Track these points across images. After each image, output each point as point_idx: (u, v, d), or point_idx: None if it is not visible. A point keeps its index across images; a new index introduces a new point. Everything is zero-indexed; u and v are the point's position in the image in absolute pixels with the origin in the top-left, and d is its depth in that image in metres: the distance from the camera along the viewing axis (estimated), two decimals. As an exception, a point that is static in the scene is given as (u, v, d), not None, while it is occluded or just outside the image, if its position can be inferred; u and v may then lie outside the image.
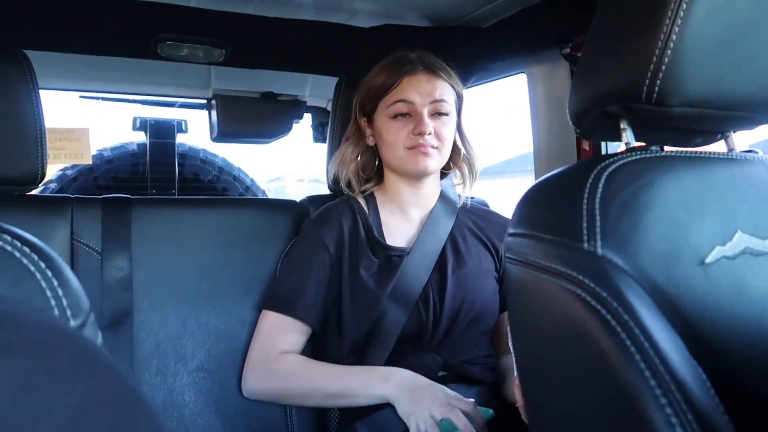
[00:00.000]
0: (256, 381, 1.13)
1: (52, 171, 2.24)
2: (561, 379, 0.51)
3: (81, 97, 2.02)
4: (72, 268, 1.10)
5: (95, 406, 0.26)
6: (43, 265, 0.45)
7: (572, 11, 1.18)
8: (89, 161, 1.74)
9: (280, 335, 1.12)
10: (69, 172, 2.18)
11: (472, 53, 1.46)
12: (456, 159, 1.22)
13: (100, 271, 1.16)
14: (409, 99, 1.11)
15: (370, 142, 1.20)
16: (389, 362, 1.07)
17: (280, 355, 1.11)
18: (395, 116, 1.13)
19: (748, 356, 0.47)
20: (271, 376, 1.11)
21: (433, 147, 1.12)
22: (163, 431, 0.29)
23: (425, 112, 1.11)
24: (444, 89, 1.14)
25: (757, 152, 0.67)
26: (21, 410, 0.23)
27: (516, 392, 0.91)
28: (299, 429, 1.21)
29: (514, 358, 0.60)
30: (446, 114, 1.13)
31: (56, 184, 2.15)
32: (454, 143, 1.19)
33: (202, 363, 1.19)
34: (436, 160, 1.14)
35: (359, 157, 1.22)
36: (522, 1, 1.30)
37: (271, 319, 1.14)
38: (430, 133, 1.10)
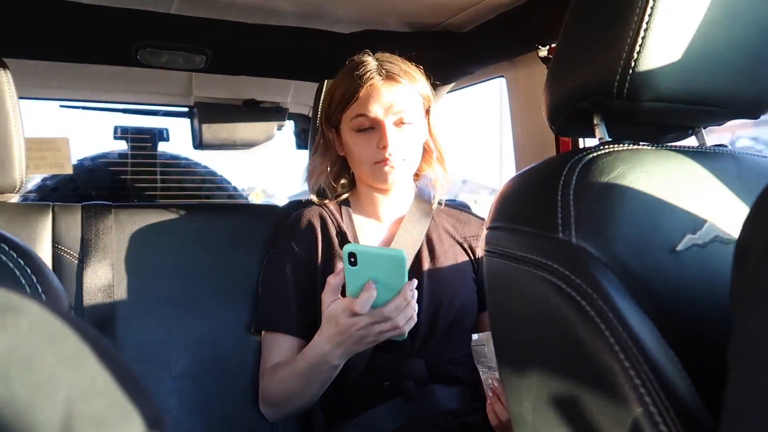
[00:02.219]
0: (262, 403, 1.16)
1: (32, 181, 2.22)
2: (539, 364, 0.52)
3: (61, 106, 2.01)
4: None
5: (98, 386, 0.28)
6: (22, 262, 0.45)
7: (548, 15, 1.21)
8: (70, 171, 1.73)
9: (272, 352, 1.13)
10: (49, 183, 2.16)
11: (451, 58, 1.48)
12: (428, 159, 1.22)
13: (82, 278, 1.16)
14: (369, 113, 1.08)
15: (341, 152, 1.19)
16: (370, 368, 1.07)
17: (268, 370, 1.12)
18: (359, 130, 1.11)
19: (718, 339, 0.48)
20: (263, 392, 1.14)
21: (397, 160, 1.10)
22: (159, 413, 0.30)
23: (388, 123, 1.08)
24: (405, 96, 1.10)
25: (726, 146, 0.69)
26: (29, 385, 0.25)
27: (489, 411, 0.92)
28: None
29: (493, 349, 0.61)
30: (410, 123, 1.11)
31: (36, 195, 2.13)
32: (426, 144, 1.19)
33: (185, 369, 1.18)
34: (402, 173, 1.13)
35: (331, 168, 1.21)
36: (499, 7, 1.32)
37: (265, 340, 1.16)
38: (393, 146, 1.09)
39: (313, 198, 1.23)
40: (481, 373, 0.93)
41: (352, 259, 0.89)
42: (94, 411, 0.27)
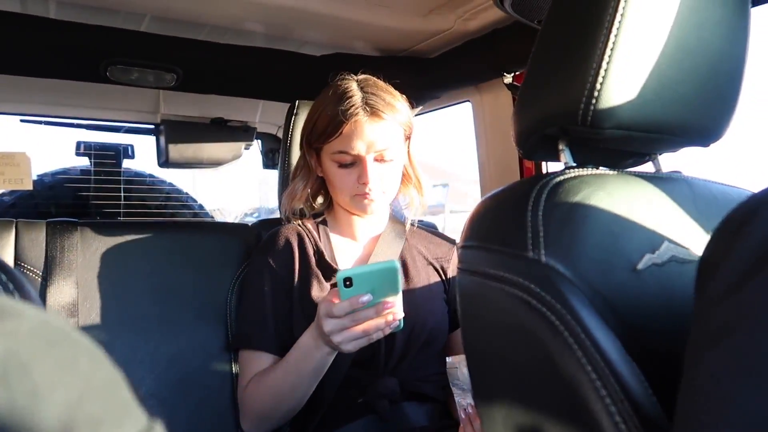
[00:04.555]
0: (242, 418, 1.14)
1: (-12, 197, 2.15)
2: (510, 378, 0.54)
3: (22, 121, 1.96)
4: None
5: (94, 389, 0.28)
6: (4, 277, 0.45)
7: (514, 43, 1.26)
8: (29, 187, 1.69)
9: (250, 369, 1.12)
10: (6, 198, 2.10)
11: (420, 82, 1.52)
12: (405, 183, 1.23)
13: (45, 296, 1.13)
14: (352, 151, 1.08)
15: (320, 173, 1.20)
16: (344, 385, 1.08)
17: (252, 381, 1.10)
18: (340, 165, 1.11)
19: (677, 353, 0.52)
20: (246, 406, 1.11)
21: (377, 193, 1.11)
22: (152, 418, 0.30)
23: (369, 159, 1.09)
24: (388, 133, 1.10)
25: (680, 172, 0.74)
26: (28, 390, 0.26)
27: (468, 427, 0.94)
28: None
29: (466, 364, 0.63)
30: (391, 160, 1.12)
31: (-8, 211, 2.07)
32: (404, 169, 1.21)
33: (151, 390, 1.17)
34: (381, 204, 1.15)
35: (310, 189, 1.22)
36: (466, 34, 1.37)
37: (242, 357, 1.15)
38: (373, 182, 1.10)
39: (290, 218, 1.23)
40: (455, 395, 0.95)
41: (347, 283, 0.90)
42: (92, 414, 0.28)
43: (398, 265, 0.91)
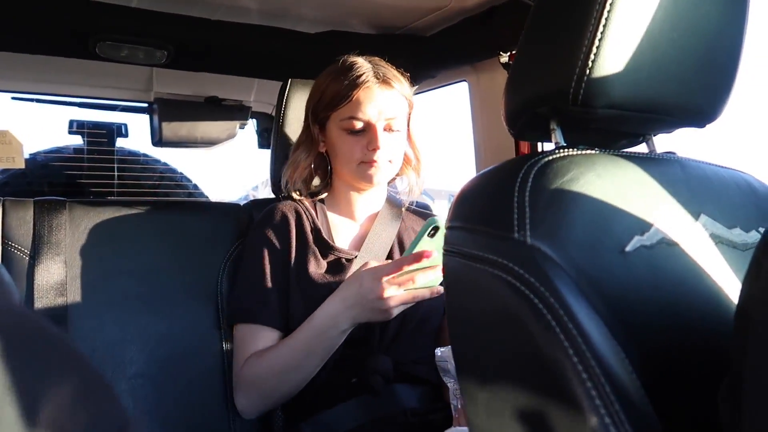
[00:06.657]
0: (237, 396, 1.11)
1: (-19, 176, 2.14)
2: (494, 360, 0.53)
3: (13, 98, 1.94)
4: None
5: (63, 390, 0.27)
6: None
7: (510, 21, 1.24)
8: (21, 165, 1.67)
9: (250, 344, 1.09)
10: (-1, 177, 2.09)
11: (416, 61, 1.49)
12: (405, 166, 1.24)
13: (33, 276, 1.12)
14: (363, 117, 1.10)
15: (322, 148, 1.20)
16: (338, 363, 1.07)
17: (251, 358, 1.08)
18: (349, 132, 1.12)
19: (664, 337, 0.51)
20: (244, 384, 1.09)
21: (384, 162, 1.13)
22: (128, 418, 0.29)
23: (379, 127, 1.11)
24: (397, 102, 1.13)
25: (674, 153, 0.72)
26: None
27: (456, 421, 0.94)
28: None
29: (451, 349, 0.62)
30: (398, 130, 1.14)
31: (-15, 190, 2.06)
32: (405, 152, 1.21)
33: (141, 369, 1.16)
34: (387, 174, 1.16)
35: (311, 164, 1.21)
36: (462, 12, 1.34)
37: (240, 332, 1.12)
38: (383, 150, 1.11)
39: (292, 194, 1.22)
40: (449, 384, 0.94)
41: (432, 232, 0.94)
42: (59, 416, 0.27)
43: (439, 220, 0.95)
